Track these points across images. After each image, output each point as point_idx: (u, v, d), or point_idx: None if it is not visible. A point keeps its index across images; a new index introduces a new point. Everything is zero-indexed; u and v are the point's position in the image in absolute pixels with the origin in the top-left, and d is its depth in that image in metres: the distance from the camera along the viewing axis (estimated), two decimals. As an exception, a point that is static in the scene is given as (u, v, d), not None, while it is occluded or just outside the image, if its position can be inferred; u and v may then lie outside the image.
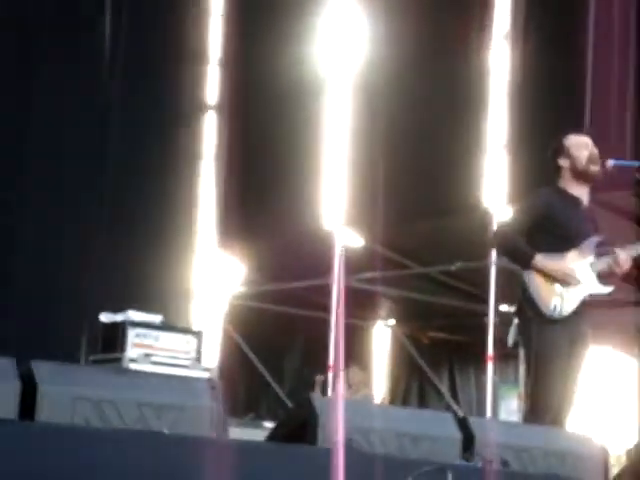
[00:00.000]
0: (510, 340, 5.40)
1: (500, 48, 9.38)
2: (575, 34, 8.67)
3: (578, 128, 5.66)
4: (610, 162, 5.53)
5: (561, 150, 5.51)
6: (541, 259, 5.29)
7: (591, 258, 5.37)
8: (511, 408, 10.82)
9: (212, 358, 9.37)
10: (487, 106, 9.40)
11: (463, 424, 4.38)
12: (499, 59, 9.37)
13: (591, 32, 8.59)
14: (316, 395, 4.12)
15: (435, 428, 4.33)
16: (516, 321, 5.42)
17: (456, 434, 4.33)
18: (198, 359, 7.37)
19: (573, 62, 8.67)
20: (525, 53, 9.25)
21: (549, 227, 5.39)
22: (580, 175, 5.47)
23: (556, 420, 5.27)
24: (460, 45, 9.47)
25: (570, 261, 5.34)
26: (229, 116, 10.52)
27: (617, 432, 9.85)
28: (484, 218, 8.95)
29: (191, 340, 7.38)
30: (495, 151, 9.32)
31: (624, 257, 5.30)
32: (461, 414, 12.03)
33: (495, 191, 9.23)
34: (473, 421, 4.42)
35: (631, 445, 5.53)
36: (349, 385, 10.53)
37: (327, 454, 3.09)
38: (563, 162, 5.50)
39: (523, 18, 9.29)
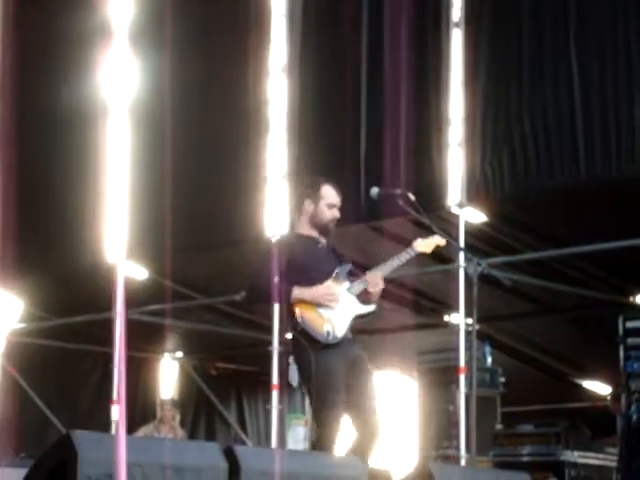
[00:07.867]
0: (293, 381, 5.40)
1: (278, 80, 9.50)
2: (350, 68, 8.88)
3: (333, 182, 5.68)
4: (374, 190, 5.66)
5: (313, 195, 5.59)
6: (299, 290, 5.38)
7: (347, 284, 5.52)
8: (299, 436, 10.88)
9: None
10: (267, 137, 9.48)
11: (229, 453, 4.35)
12: (277, 91, 9.48)
13: (364, 67, 8.81)
14: (76, 432, 4.00)
15: (200, 458, 4.28)
16: (292, 360, 5.42)
17: (222, 464, 4.29)
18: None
19: (349, 93, 8.86)
20: (302, 85, 9.39)
21: (295, 270, 5.43)
22: (316, 226, 5.60)
23: None
24: (239, 78, 9.54)
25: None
26: (3, 147, 10.22)
27: (399, 455, 10.06)
28: (268, 247, 8.99)
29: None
30: (276, 181, 9.40)
31: (373, 277, 5.47)
32: (250, 444, 12.07)
33: (277, 221, 9.30)
34: (239, 450, 4.39)
35: (411, 469, 5.59)
36: (162, 418, 10.36)
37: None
38: (309, 206, 5.59)
39: (299, 54, 9.43)
